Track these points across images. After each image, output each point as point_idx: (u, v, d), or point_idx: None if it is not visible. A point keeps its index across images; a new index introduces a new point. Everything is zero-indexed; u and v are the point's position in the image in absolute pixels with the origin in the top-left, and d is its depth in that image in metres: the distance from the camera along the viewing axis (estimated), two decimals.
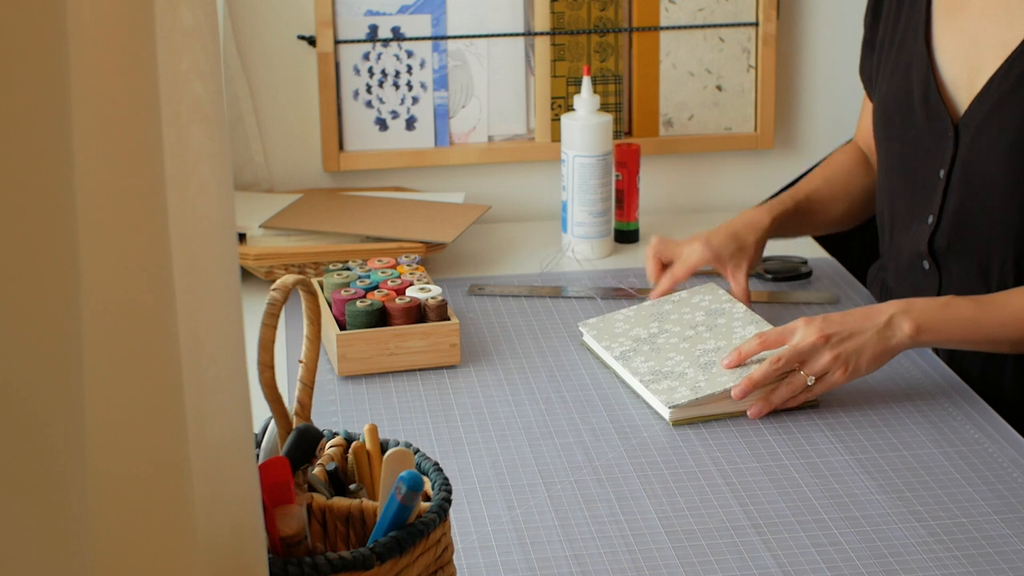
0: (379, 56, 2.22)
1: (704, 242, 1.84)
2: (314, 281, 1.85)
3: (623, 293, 1.97)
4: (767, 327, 1.70)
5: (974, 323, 1.63)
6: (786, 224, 1.92)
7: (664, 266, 1.87)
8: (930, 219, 1.77)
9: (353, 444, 1.15)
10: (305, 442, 1.10)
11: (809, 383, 1.59)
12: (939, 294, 1.76)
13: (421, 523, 1.04)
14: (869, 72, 1.93)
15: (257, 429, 1.08)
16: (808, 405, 1.64)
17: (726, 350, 1.67)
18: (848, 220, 2.01)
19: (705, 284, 1.83)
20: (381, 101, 2.24)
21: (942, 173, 1.75)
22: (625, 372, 1.68)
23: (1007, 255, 1.71)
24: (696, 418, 1.60)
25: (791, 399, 1.61)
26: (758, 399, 1.60)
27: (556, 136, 2.26)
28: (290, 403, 1.14)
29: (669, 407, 1.59)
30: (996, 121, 1.69)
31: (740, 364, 1.63)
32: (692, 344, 1.70)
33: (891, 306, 1.63)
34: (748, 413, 1.60)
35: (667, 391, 1.61)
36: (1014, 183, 1.68)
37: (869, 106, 1.98)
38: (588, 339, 1.79)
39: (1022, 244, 1.70)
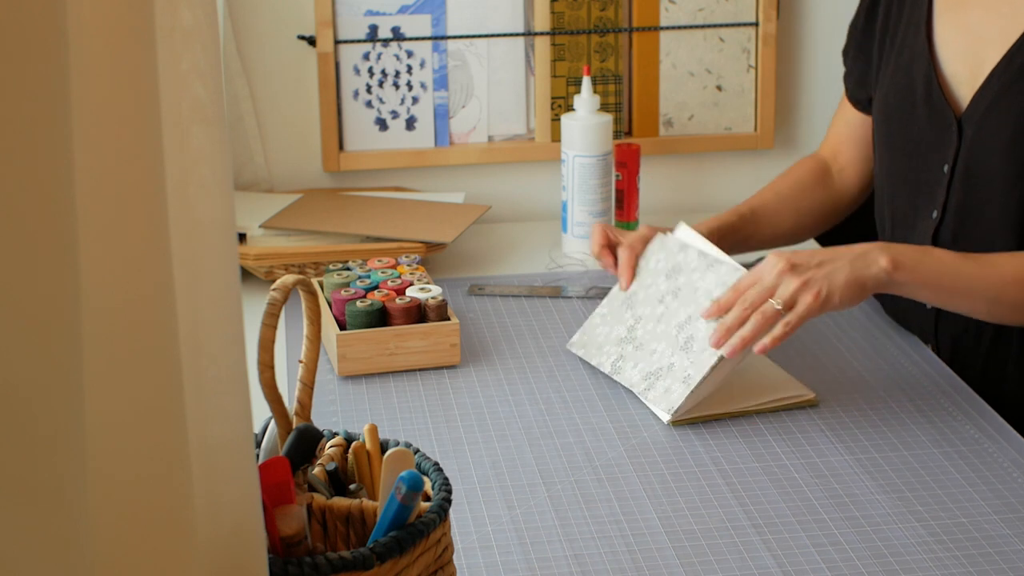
0: (379, 56, 2.22)
1: (646, 226, 1.81)
2: (314, 281, 1.85)
3: None
4: (723, 266, 1.66)
5: (953, 269, 1.63)
6: (728, 237, 1.87)
7: (610, 245, 1.81)
8: (935, 214, 1.77)
9: (353, 444, 1.15)
10: (305, 442, 1.10)
11: (777, 307, 1.56)
12: None
13: (421, 523, 1.04)
14: (857, 77, 1.93)
15: (257, 429, 1.08)
16: (808, 405, 1.64)
17: (697, 316, 1.64)
18: (799, 234, 1.99)
19: (652, 242, 1.77)
20: (381, 101, 2.24)
21: (946, 168, 1.75)
22: (622, 381, 1.68)
23: (1010, 248, 1.71)
24: (696, 418, 1.60)
25: (767, 330, 1.56)
26: (735, 339, 1.57)
27: (556, 136, 2.26)
28: (290, 403, 1.14)
29: (670, 413, 1.59)
30: (997, 114, 1.69)
31: (719, 315, 1.60)
32: (667, 324, 1.68)
33: (867, 244, 1.63)
34: (727, 354, 1.57)
35: (664, 395, 1.61)
36: (1015, 176, 1.69)
37: (843, 116, 1.98)
38: (578, 354, 1.77)
39: (1023, 237, 1.71)
